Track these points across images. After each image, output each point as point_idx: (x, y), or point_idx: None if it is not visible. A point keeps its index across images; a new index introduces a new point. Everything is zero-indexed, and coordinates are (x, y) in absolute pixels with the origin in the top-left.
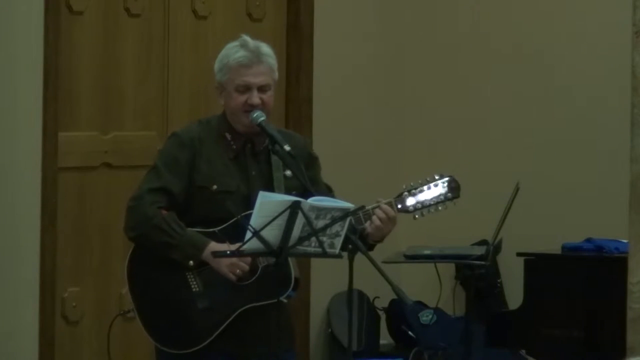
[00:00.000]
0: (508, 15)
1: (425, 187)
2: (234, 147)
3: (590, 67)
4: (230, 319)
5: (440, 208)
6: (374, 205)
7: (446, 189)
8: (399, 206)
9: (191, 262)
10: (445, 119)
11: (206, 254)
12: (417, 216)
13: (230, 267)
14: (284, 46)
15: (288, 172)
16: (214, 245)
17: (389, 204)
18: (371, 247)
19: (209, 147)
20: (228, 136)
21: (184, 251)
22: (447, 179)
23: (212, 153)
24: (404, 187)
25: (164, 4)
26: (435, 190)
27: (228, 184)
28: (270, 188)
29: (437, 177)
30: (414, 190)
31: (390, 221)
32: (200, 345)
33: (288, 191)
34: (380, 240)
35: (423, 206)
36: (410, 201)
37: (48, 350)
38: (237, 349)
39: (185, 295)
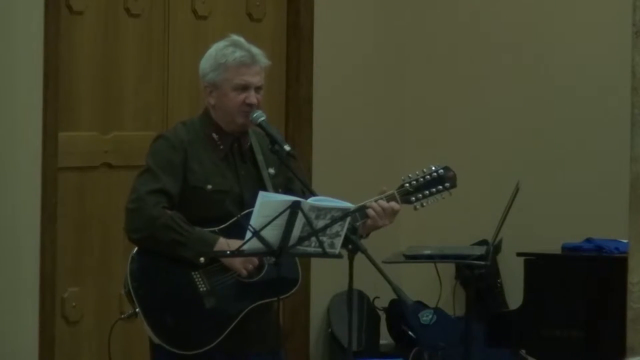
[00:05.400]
0: (508, 14)
1: (423, 178)
2: (222, 147)
3: (590, 67)
4: (240, 317)
5: (439, 198)
6: (377, 197)
7: (444, 178)
8: (401, 198)
9: (202, 259)
10: (445, 119)
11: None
12: (417, 207)
13: (244, 262)
14: (284, 46)
15: (271, 171)
16: (223, 241)
17: (392, 196)
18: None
19: (197, 148)
20: (215, 136)
21: (195, 248)
22: (443, 169)
23: (201, 154)
24: (403, 179)
25: (164, 4)
26: (433, 180)
27: (222, 184)
28: (262, 187)
29: (433, 168)
30: (414, 182)
31: (386, 215)
32: (211, 345)
33: (275, 189)
34: (369, 232)
35: (424, 196)
36: (411, 192)
37: (48, 350)
38: (237, 346)
39: (193, 295)
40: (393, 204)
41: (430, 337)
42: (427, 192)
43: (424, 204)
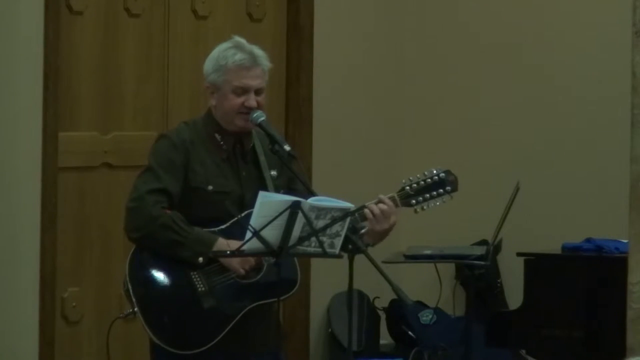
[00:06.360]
0: (508, 15)
1: (424, 181)
2: (225, 148)
3: (591, 67)
4: (237, 318)
5: (440, 202)
6: (374, 201)
7: (445, 182)
8: (401, 201)
9: (200, 259)
10: (445, 118)
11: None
12: (418, 210)
13: (242, 262)
14: (284, 46)
15: (273, 172)
16: (222, 242)
17: (392, 198)
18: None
19: (199, 149)
20: (217, 137)
21: (193, 249)
22: (444, 172)
23: (203, 154)
24: (404, 181)
25: (164, 4)
26: (434, 184)
27: (223, 185)
28: (264, 188)
29: (434, 172)
30: (415, 185)
31: (384, 217)
32: (208, 345)
33: (276, 190)
34: (377, 241)
35: (424, 199)
36: (412, 195)
37: (48, 350)
38: (238, 347)
39: (191, 295)
40: (388, 202)
41: (430, 337)
42: (427, 195)
43: (425, 207)
